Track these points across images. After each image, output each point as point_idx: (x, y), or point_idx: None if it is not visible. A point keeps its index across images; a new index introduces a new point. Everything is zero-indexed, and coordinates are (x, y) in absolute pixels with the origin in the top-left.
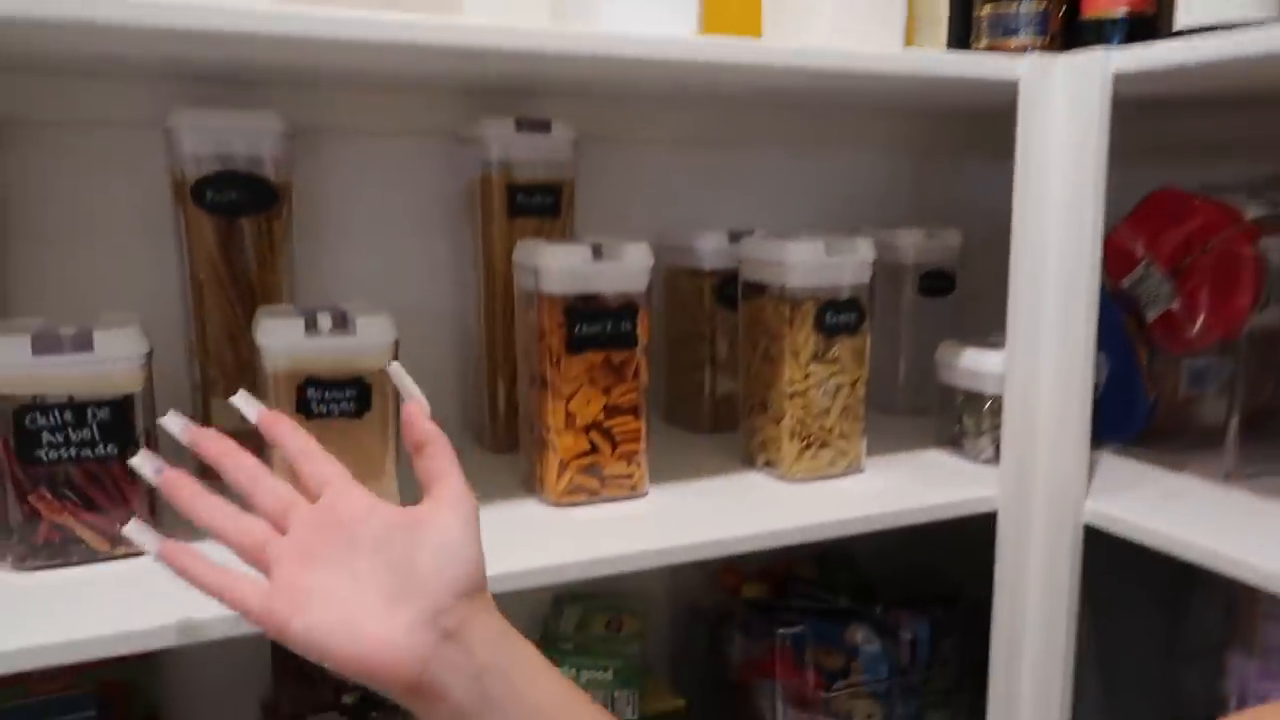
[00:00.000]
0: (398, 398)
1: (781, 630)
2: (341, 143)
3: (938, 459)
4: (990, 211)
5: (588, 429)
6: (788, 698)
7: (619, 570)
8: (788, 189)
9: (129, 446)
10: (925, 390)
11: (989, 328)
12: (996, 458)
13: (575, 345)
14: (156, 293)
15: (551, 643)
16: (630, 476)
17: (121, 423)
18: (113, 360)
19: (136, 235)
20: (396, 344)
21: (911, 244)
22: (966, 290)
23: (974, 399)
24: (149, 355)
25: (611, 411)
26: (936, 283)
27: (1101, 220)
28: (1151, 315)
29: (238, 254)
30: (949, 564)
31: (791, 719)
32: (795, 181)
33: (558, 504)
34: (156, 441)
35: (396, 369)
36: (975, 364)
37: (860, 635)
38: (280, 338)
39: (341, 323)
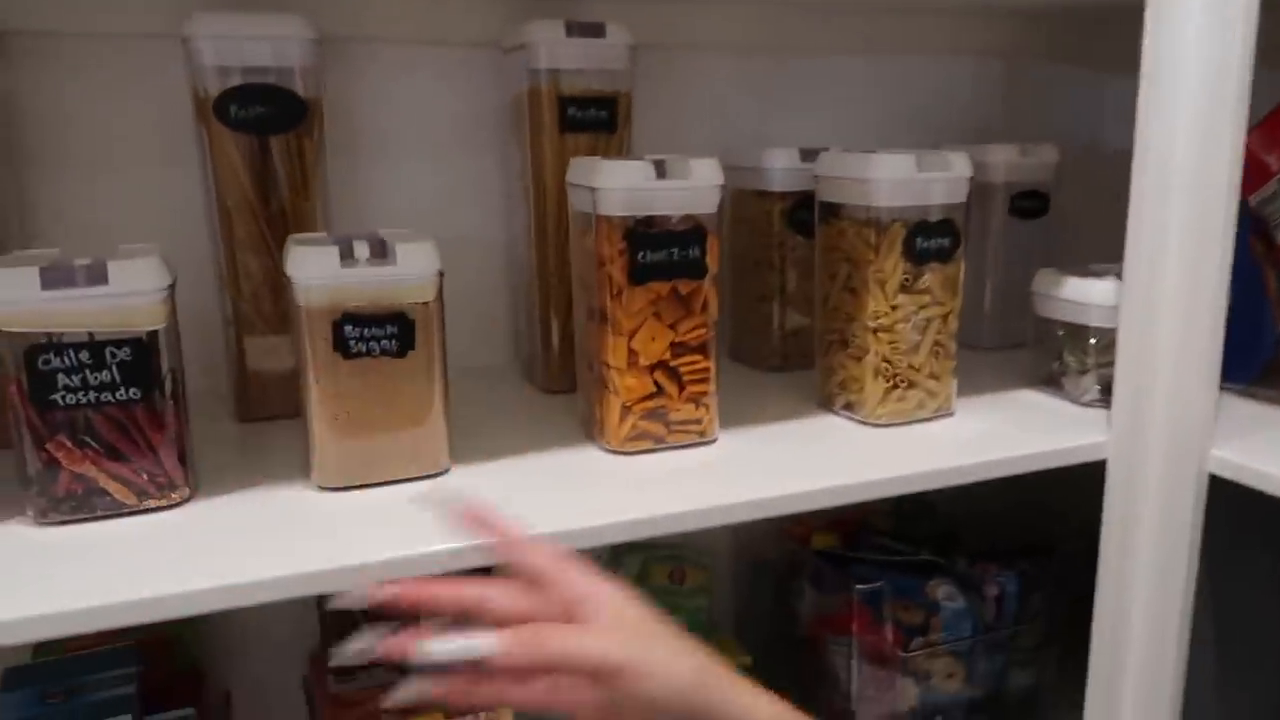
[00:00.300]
0: (443, 333)
1: (859, 586)
2: (376, 52)
3: (1034, 400)
4: (1087, 125)
5: (652, 369)
6: (863, 655)
7: (689, 528)
8: (863, 101)
9: (153, 389)
10: (1014, 323)
11: (1085, 253)
12: (1102, 399)
13: (638, 275)
14: (181, 221)
15: None
16: (699, 422)
17: (144, 363)
18: (131, 294)
19: (157, 158)
20: (441, 274)
21: (1003, 161)
22: (1060, 212)
23: (1077, 333)
24: (171, 288)
25: (678, 349)
26: (1029, 204)
27: (1244, 128)
28: None
29: (267, 176)
30: (1038, 511)
31: (868, 677)
32: (871, 93)
33: (620, 451)
34: (183, 384)
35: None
36: (1081, 294)
37: (942, 591)
38: (313, 269)
39: (380, 251)
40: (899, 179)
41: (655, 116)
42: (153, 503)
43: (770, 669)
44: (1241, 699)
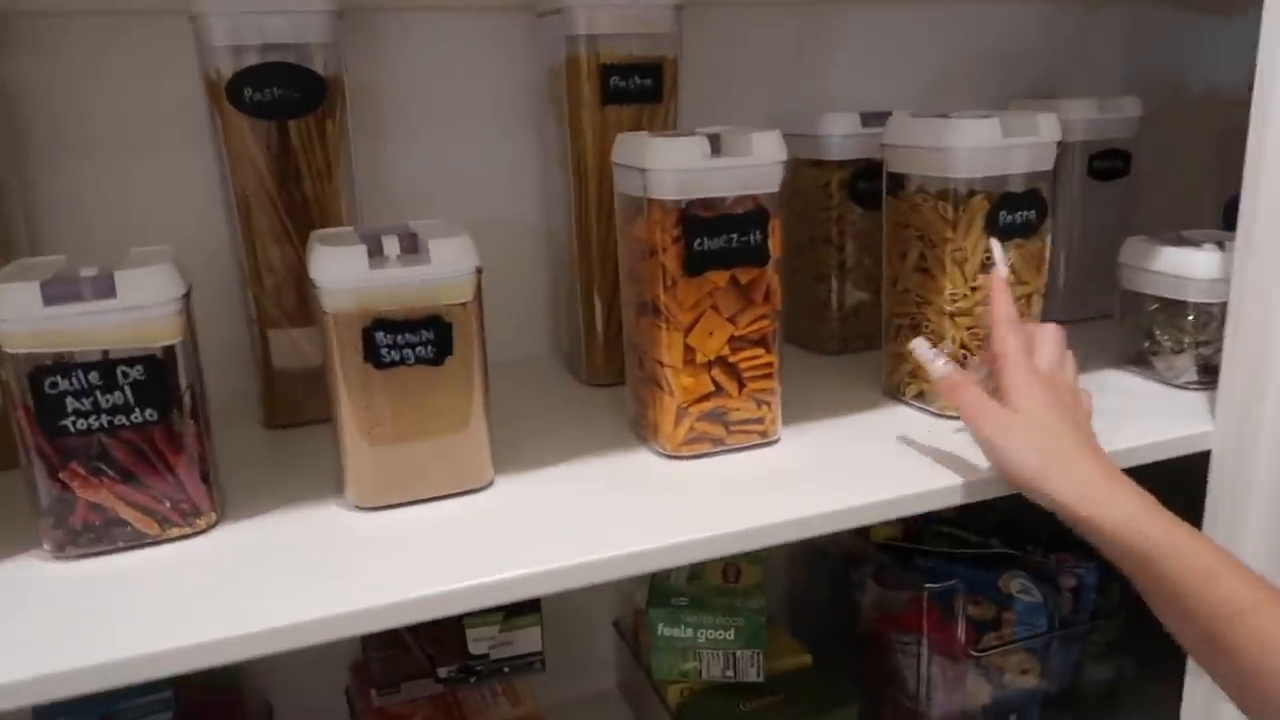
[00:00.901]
0: (483, 334)
1: (930, 585)
2: (401, 23)
3: (1123, 382)
4: (1169, 74)
5: (710, 366)
6: (933, 653)
7: (757, 545)
8: (923, 54)
9: (171, 409)
10: (1092, 294)
11: (1170, 217)
12: (1201, 381)
13: (695, 264)
14: (196, 212)
15: (663, 598)
16: (760, 421)
17: (160, 381)
18: (143, 308)
19: (168, 146)
20: (479, 271)
21: (1082, 117)
22: (1141, 172)
23: (1172, 308)
24: (186, 297)
25: (738, 344)
26: (1110, 163)
27: None
28: None
29: (287, 163)
30: None
31: (937, 676)
32: (931, 45)
33: (676, 455)
34: (203, 399)
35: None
36: (1178, 266)
37: (1016, 584)
38: (339, 271)
39: (412, 247)
40: (981, 146)
41: (700, 81)
42: (177, 531)
43: (830, 665)
44: None
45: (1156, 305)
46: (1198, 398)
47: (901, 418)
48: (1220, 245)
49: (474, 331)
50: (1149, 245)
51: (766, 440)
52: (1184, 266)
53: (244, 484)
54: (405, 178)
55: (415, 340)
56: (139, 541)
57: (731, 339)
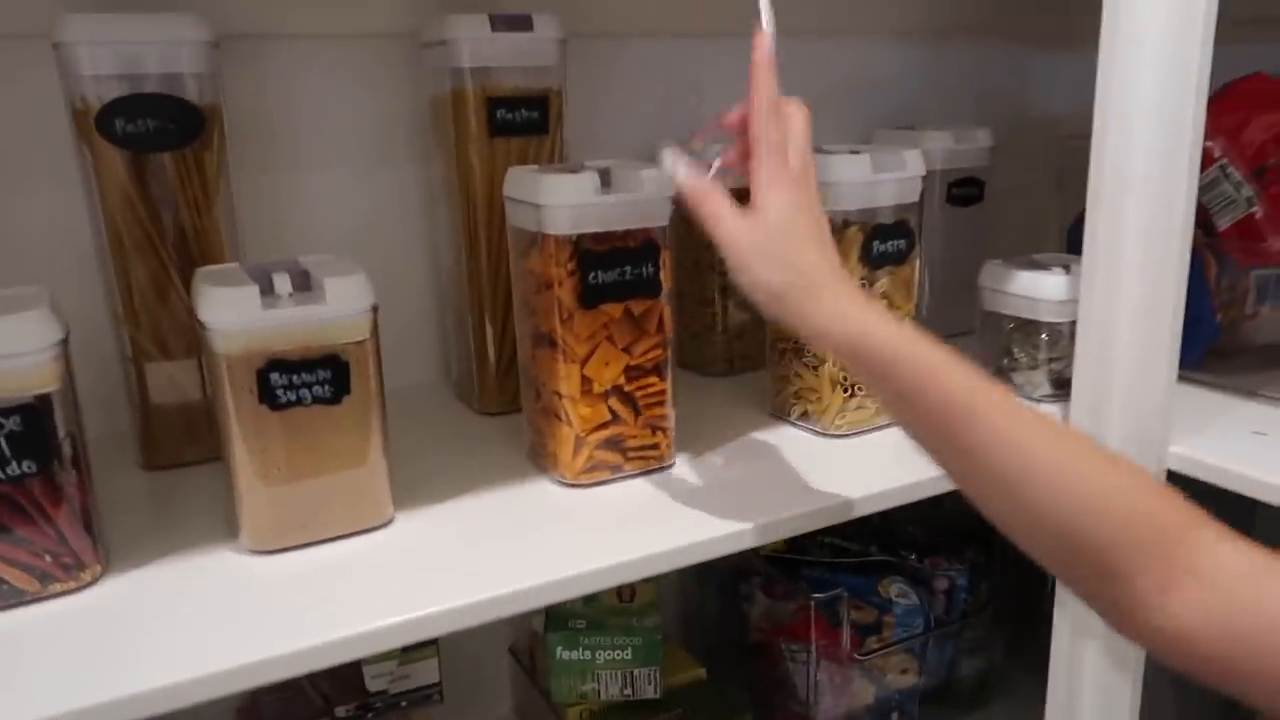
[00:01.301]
0: (380, 371)
1: (817, 595)
2: (280, 51)
3: None
4: (1016, 107)
5: (607, 395)
6: (820, 659)
7: (664, 569)
8: (786, 87)
9: (50, 460)
10: (953, 313)
11: (1020, 240)
12: (1054, 394)
13: (590, 297)
14: (68, 249)
15: (561, 622)
16: (656, 447)
17: (37, 431)
18: (17, 355)
19: (35, 180)
20: (375, 309)
21: (940, 147)
22: (993, 198)
23: (1027, 328)
24: (64, 342)
25: (634, 373)
26: (966, 190)
27: (1204, 113)
28: (1224, 223)
29: (162, 197)
30: None
31: (825, 681)
32: (800, 77)
33: (575, 484)
34: (83, 445)
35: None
36: (1031, 289)
37: (895, 588)
38: (230, 311)
39: (305, 284)
40: (855, 181)
41: (580, 112)
42: (59, 586)
43: (722, 676)
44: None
45: (1013, 324)
46: (1052, 410)
47: (788, 438)
48: (1066, 269)
49: (371, 369)
50: (1004, 269)
51: (662, 465)
52: (1036, 289)
53: (128, 532)
54: (287, 207)
55: (312, 380)
56: (17, 600)
57: (627, 368)
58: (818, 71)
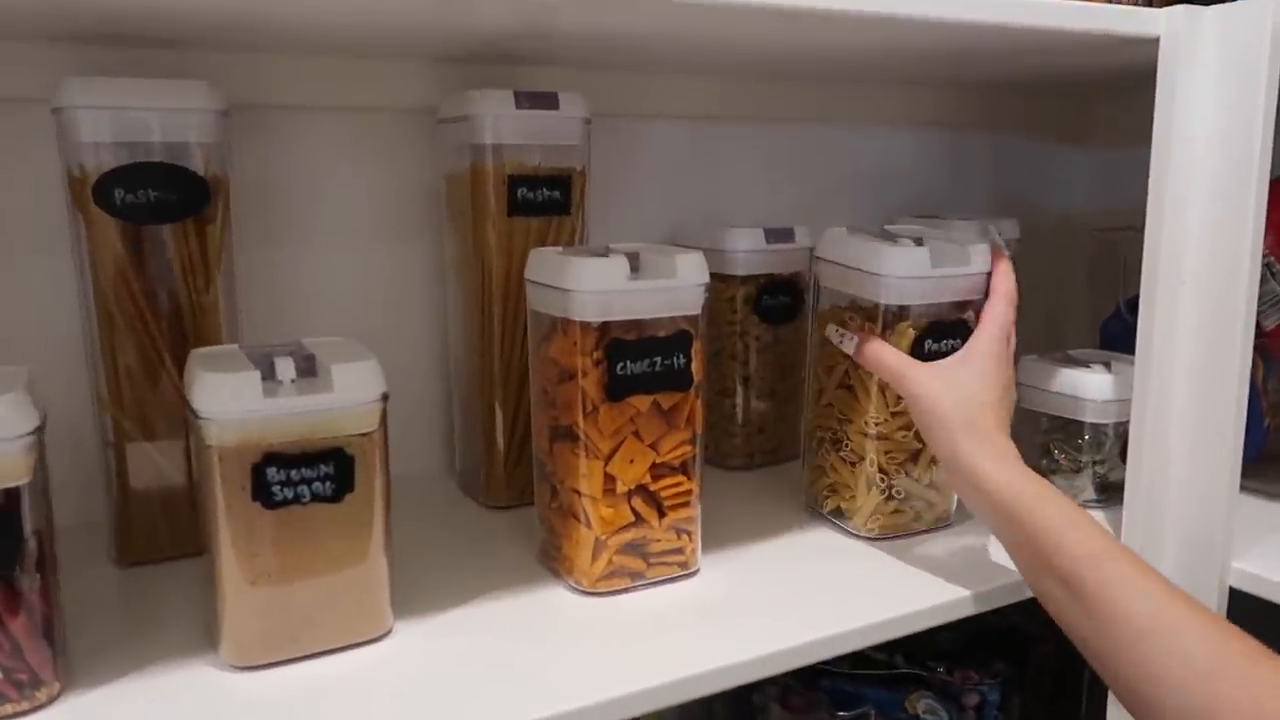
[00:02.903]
0: (387, 466)
1: (841, 713)
2: (291, 121)
3: None
4: (1030, 200)
5: (630, 495)
6: None
7: (695, 695)
8: (808, 173)
9: (13, 563)
10: None
11: (1045, 335)
12: (1099, 498)
13: (617, 389)
14: (50, 324)
15: None
16: (681, 551)
17: (3, 531)
18: None
19: (22, 252)
20: (386, 398)
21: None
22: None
23: (1069, 428)
24: (39, 430)
25: (659, 470)
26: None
27: (1264, 213)
28: (1270, 322)
29: (159, 272)
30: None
31: None
32: (824, 163)
33: (593, 592)
34: (51, 546)
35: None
36: (1073, 386)
37: (923, 705)
38: (227, 400)
39: (310, 369)
40: (917, 273)
41: (601, 193)
42: (10, 709)
43: None
44: None
45: (1051, 424)
46: (1097, 516)
47: (818, 539)
48: (1107, 365)
49: (378, 464)
50: (1043, 366)
51: (686, 572)
52: (1079, 388)
53: (94, 640)
54: (291, 287)
55: (312, 476)
56: None
57: (653, 466)
58: (840, 158)
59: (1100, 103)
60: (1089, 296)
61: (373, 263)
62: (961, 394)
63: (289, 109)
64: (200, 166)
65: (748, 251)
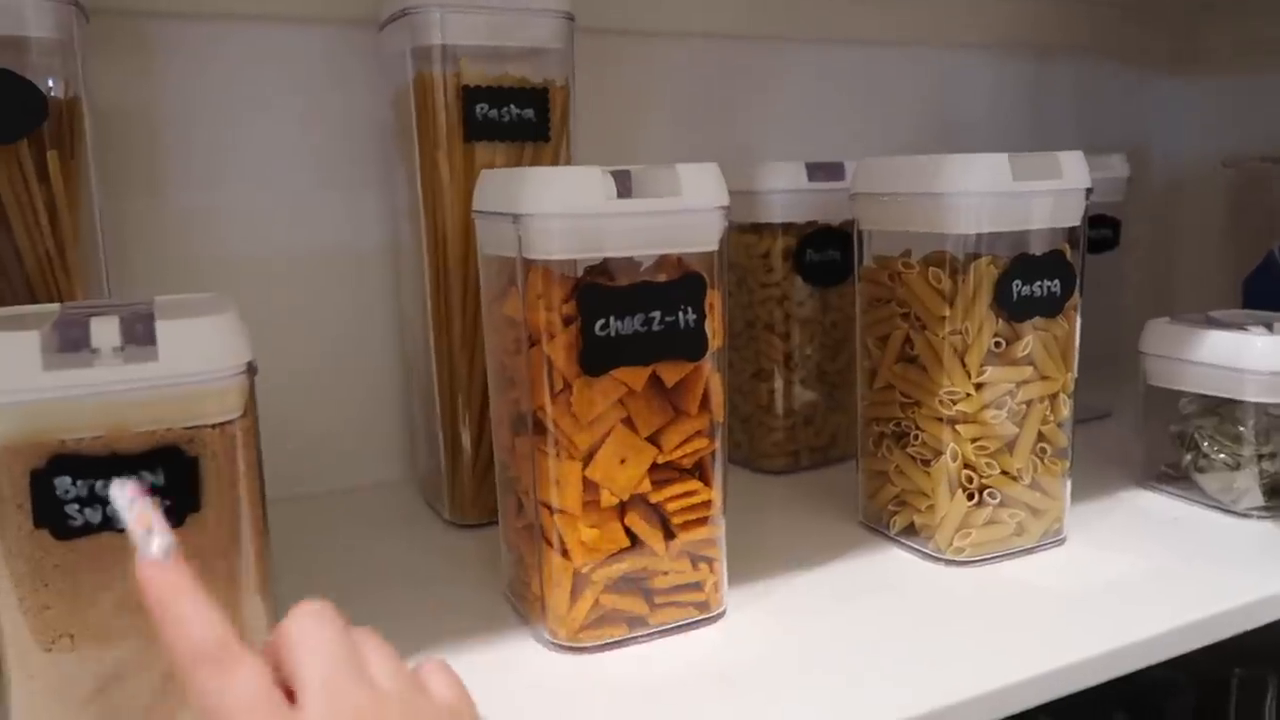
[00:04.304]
0: (258, 477)
1: None
2: (194, 37)
3: (1160, 508)
4: (1127, 138)
5: (623, 509)
6: None
7: None
8: (872, 100)
9: None
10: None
11: (1164, 294)
12: (1269, 505)
13: (596, 358)
14: None
15: None
16: (699, 587)
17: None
18: None
19: None
20: (252, 370)
21: None
22: (1131, 243)
23: (1221, 411)
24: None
25: (664, 475)
26: (1098, 232)
27: None
28: None
29: None
30: None
31: None
32: (884, 89)
33: (574, 646)
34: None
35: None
36: (1229, 355)
37: None
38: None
39: (143, 334)
40: (990, 191)
41: (594, 122)
42: None
43: None
44: None
45: (1196, 406)
46: (1269, 530)
47: (892, 563)
48: (1269, 327)
49: (241, 468)
50: (1183, 330)
51: (707, 615)
52: (1237, 357)
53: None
54: (187, 245)
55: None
56: None
57: (654, 468)
58: (897, 85)
59: (1212, 24)
60: (1221, 246)
61: (306, 214)
62: None
63: (191, 17)
64: (34, 71)
65: (787, 192)
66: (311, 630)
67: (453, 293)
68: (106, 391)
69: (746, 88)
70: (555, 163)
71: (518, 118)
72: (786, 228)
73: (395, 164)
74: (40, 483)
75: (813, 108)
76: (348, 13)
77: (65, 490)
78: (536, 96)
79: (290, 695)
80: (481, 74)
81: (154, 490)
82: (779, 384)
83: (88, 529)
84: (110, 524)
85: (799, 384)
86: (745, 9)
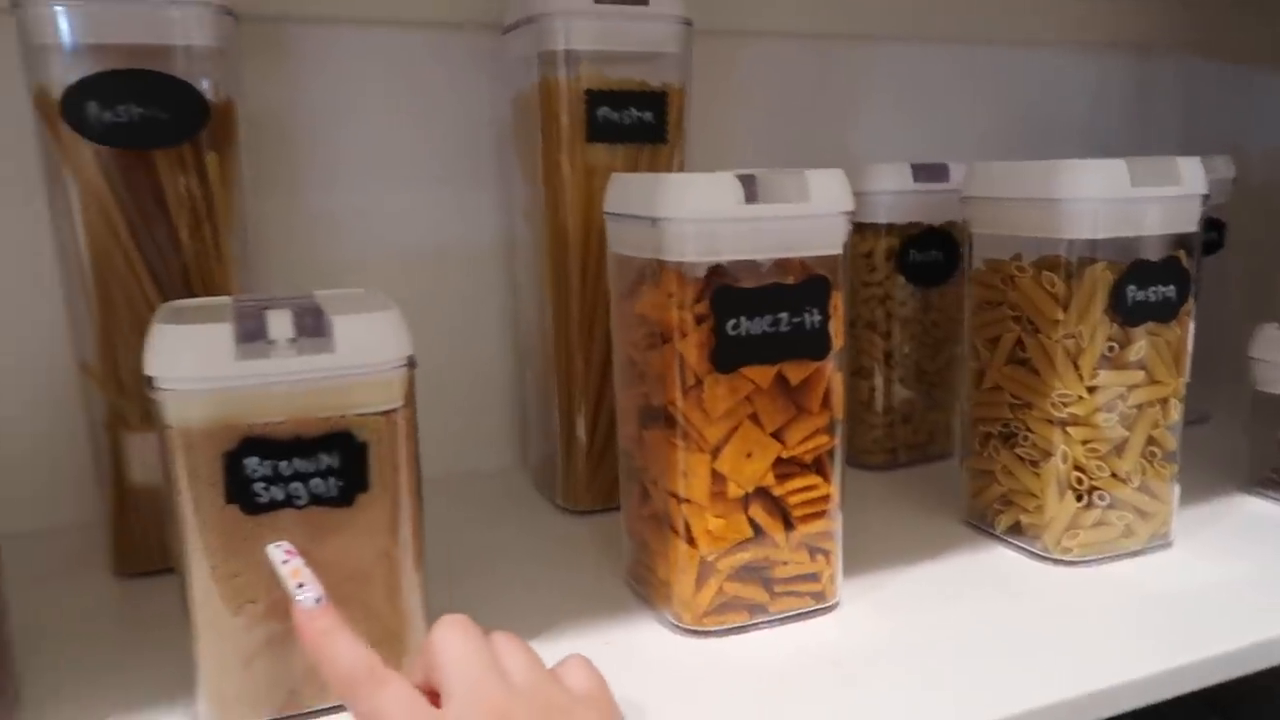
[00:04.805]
0: (415, 459)
1: None
2: (322, 37)
3: (1266, 513)
4: (1232, 137)
5: (747, 501)
6: None
7: None
8: (963, 102)
9: None
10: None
11: (1271, 299)
12: None
13: (727, 357)
14: (25, 276)
15: None
16: (816, 578)
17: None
18: None
19: None
20: (412, 363)
21: None
22: (1237, 246)
23: None
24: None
25: (786, 469)
26: (1205, 235)
27: None
28: None
29: (152, 210)
30: None
31: None
32: (974, 89)
33: (698, 630)
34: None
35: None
36: None
37: None
38: (189, 361)
39: (314, 328)
40: (1107, 198)
41: (704, 124)
42: None
43: None
44: None
45: None
46: None
47: (999, 561)
48: None
49: (403, 454)
50: None
51: (823, 606)
52: None
53: (63, 673)
54: (325, 241)
55: (310, 470)
56: None
57: (776, 462)
58: (998, 85)
59: None
60: None
61: (428, 211)
62: None
63: (319, 21)
64: (202, 81)
65: (891, 193)
66: (452, 640)
67: (571, 285)
68: (289, 380)
69: (842, 87)
70: (671, 164)
71: (637, 120)
72: (890, 228)
73: (512, 163)
74: (232, 463)
75: (910, 108)
76: (468, 17)
77: (254, 470)
78: (655, 99)
79: (436, 700)
80: (602, 77)
81: (329, 471)
82: (879, 381)
83: (273, 505)
84: (291, 501)
85: (898, 382)
86: (841, 8)
